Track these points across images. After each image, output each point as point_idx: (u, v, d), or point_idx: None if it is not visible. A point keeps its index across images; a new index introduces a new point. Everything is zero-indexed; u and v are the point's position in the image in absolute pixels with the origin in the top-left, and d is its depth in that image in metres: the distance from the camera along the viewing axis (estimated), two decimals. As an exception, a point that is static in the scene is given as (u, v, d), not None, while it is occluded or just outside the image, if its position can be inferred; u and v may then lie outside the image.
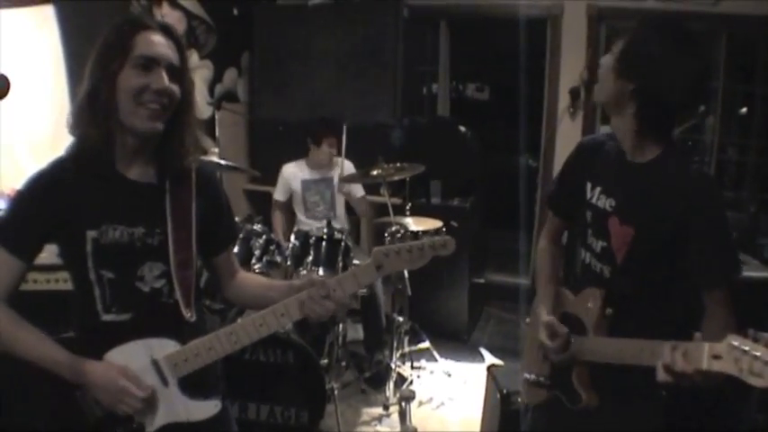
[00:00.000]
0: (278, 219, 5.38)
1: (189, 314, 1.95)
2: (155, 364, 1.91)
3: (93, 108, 1.81)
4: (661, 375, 1.67)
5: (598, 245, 2.13)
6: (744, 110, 6.14)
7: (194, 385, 1.96)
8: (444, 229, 4.51)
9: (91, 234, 1.86)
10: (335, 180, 5.17)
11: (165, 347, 1.91)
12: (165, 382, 1.92)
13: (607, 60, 2.02)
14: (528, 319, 2.52)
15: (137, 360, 1.89)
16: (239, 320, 1.95)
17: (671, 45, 1.89)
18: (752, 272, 3.55)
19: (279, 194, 5.35)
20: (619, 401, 2.09)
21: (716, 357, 1.51)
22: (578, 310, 2.17)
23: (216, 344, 1.92)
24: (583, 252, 2.22)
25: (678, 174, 1.93)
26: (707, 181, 1.97)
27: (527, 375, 2.41)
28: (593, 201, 2.14)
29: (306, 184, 5.22)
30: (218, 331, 1.91)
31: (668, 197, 1.93)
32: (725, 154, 6.08)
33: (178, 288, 1.95)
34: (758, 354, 1.39)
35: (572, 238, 2.35)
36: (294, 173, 5.25)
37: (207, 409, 1.98)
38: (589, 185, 2.16)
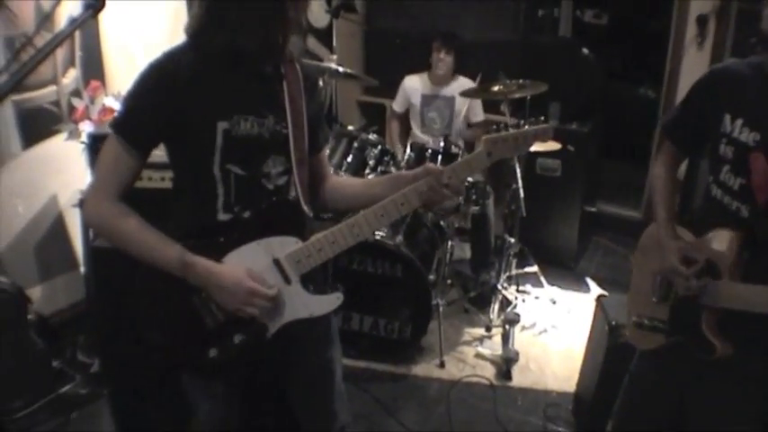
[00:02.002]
0: (394, 128, 5.33)
1: (308, 210, 1.93)
2: (276, 263, 1.88)
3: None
4: None
5: (736, 182, 1.96)
6: None
7: (315, 281, 1.96)
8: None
9: (222, 125, 1.80)
10: (457, 100, 5.06)
11: (286, 246, 1.88)
12: (287, 280, 1.90)
13: None
14: (635, 255, 2.38)
15: (257, 262, 1.87)
16: (361, 212, 1.93)
17: None
18: None
19: (397, 105, 5.28)
20: (749, 355, 1.97)
21: None
22: (708, 251, 2.00)
23: (339, 237, 1.89)
24: (714, 188, 2.05)
25: None
26: None
27: (636, 318, 2.27)
28: (734, 134, 1.95)
29: (425, 100, 5.13)
30: (339, 225, 1.89)
31: None
32: None
33: (299, 184, 1.92)
34: None
35: (691, 171, 2.18)
36: (415, 86, 5.16)
37: (329, 302, 1.97)
38: (728, 117, 1.96)
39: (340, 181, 2.24)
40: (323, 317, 2.02)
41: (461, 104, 5.07)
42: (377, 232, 3.66)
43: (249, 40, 1.76)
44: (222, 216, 1.88)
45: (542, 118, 1.95)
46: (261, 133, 1.85)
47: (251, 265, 1.85)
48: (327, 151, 2.33)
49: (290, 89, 1.91)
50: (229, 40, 1.76)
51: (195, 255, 1.81)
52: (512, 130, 1.94)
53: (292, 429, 2.35)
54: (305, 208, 1.92)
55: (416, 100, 5.15)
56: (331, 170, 2.37)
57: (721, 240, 1.97)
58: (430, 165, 1.94)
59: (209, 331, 1.88)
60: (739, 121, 1.94)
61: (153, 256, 1.81)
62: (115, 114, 1.90)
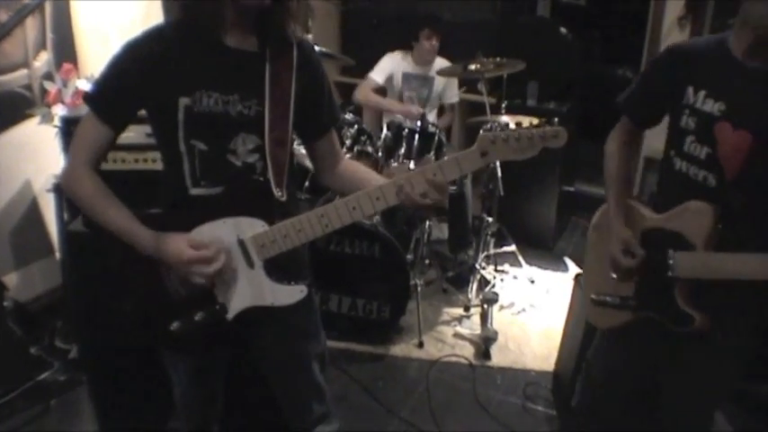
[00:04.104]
0: (371, 94, 5.13)
1: (279, 193, 1.89)
2: (241, 244, 1.87)
3: None
4: None
5: (702, 151, 1.98)
6: None
7: (281, 269, 1.93)
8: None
9: (184, 101, 1.81)
10: (436, 81, 5.05)
11: (253, 227, 1.87)
12: (250, 263, 1.89)
13: None
14: (589, 233, 2.41)
15: (223, 238, 1.86)
16: (333, 203, 1.86)
17: None
18: None
19: (378, 76, 5.11)
20: (724, 326, 2.00)
21: None
22: (679, 224, 2.02)
23: (306, 225, 1.85)
24: (678, 161, 2.06)
25: None
26: None
27: (595, 296, 2.26)
28: (696, 105, 1.99)
29: (406, 77, 5.10)
30: (308, 213, 1.85)
31: None
32: None
33: (271, 165, 1.89)
34: None
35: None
36: (398, 63, 5.11)
37: (292, 293, 1.94)
38: (691, 90, 2.01)
39: (351, 165, 2.19)
40: (302, 309, 2.02)
41: (440, 85, 5.07)
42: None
43: (196, 12, 1.78)
44: (193, 190, 1.89)
45: (555, 120, 1.71)
46: (226, 110, 1.85)
47: (216, 241, 1.84)
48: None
49: (276, 69, 1.89)
50: (183, 14, 1.80)
51: (165, 227, 1.85)
52: (514, 129, 1.71)
53: (277, 418, 2.35)
54: (275, 190, 1.88)
55: (398, 77, 5.10)
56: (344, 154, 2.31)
57: (694, 212, 1.98)
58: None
59: (174, 304, 1.89)
60: (702, 93, 1.98)
61: (117, 226, 1.85)
62: (89, 88, 1.94)
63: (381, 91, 5.20)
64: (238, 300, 1.90)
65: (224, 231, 1.86)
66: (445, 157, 1.80)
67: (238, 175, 1.90)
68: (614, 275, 2.15)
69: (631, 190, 2.28)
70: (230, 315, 1.91)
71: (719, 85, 1.95)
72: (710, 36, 2.05)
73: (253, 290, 1.90)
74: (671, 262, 1.99)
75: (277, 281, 1.92)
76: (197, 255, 1.79)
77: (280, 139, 1.91)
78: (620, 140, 2.30)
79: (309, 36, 4.52)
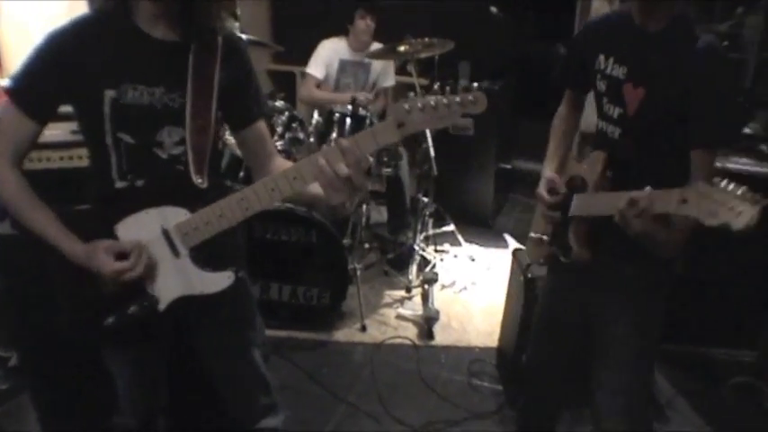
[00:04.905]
0: (322, 95, 5.04)
1: (200, 180, 1.86)
2: (165, 233, 1.84)
3: None
4: (621, 204, 1.75)
5: (615, 111, 2.15)
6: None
7: (208, 256, 1.90)
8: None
9: (109, 94, 1.79)
10: (373, 65, 5.04)
11: (176, 216, 1.84)
12: (176, 252, 1.86)
13: None
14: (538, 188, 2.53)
15: (148, 230, 1.84)
16: (251, 186, 1.82)
17: None
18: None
19: (317, 71, 5.04)
20: (617, 260, 2.14)
21: (684, 201, 1.56)
22: (584, 171, 2.22)
23: (226, 210, 1.81)
24: (600, 122, 2.24)
25: (688, 41, 1.94)
26: (716, 51, 1.96)
27: (532, 234, 2.52)
28: (608, 71, 2.16)
29: (343, 65, 5.06)
30: (227, 197, 1.81)
31: (679, 63, 1.94)
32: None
33: (191, 153, 1.86)
34: (716, 197, 1.47)
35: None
36: (334, 51, 5.06)
37: (220, 281, 1.91)
38: (602, 57, 2.18)
39: (284, 164, 2.08)
40: (235, 297, 2.00)
41: (377, 70, 5.05)
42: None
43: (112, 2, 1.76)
44: (119, 184, 1.87)
45: (474, 85, 1.60)
46: (152, 103, 1.83)
47: (141, 234, 1.83)
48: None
49: (199, 60, 1.87)
50: (102, 4, 1.77)
51: (92, 222, 1.85)
52: (430, 96, 1.61)
53: (219, 410, 2.32)
54: (194, 177, 1.86)
55: (334, 65, 5.06)
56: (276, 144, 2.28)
57: (591, 160, 2.19)
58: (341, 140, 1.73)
59: (108, 300, 1.85)
60: (611, 59, 2.15)
61: (44, 230, 1.83)
62: (10, 81, 1.89)
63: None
64: (168, 290, 1.88)
65: (148, 222, 1.84)
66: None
67: (163, 168, 1.87)
68: (541, 214, 2.37)
69: (569, 145, 2.50)
70: (162, 306, 1.88)
71: (624, 51, 2.11)
72: (622, 7, 2.21)
73: (181, 279, 1.88)
74: (572, 202, 2.18)
75: (204, 268, 1.89)
76: (120, 267, 1.78)
77: (201, 128, 1.88)
78: (565, 105, 2.53)
79: (237, 24, 4.49)
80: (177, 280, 1.87)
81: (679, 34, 1.97)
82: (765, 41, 5.44)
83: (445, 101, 1.58)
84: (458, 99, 1.59)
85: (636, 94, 2.06)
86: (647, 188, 1.71)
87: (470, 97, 1.59)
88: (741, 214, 1.43)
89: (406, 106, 1.61)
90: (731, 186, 1.46)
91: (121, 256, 1.80)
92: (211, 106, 1.89)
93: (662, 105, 2.00)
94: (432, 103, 1.59)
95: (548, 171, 2.36)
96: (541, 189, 2.29)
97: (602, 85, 2.19)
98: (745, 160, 3.65)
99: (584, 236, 2.18)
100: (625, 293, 2.19)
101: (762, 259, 3.51)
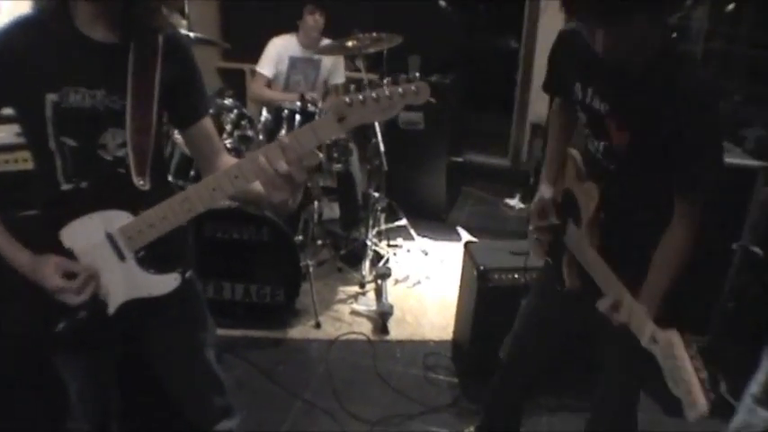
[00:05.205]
0: (274, 95, 5.01)
1: (141, 182, 1.83)
2: (109, 237, 1.82)
3: None
4: (603, 306, 1.86)
5: (600, 145, 2.04)
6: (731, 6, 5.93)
7: (154, 259, 1.88)
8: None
9: (51, 97, 1.75)
10: (323, 62, 5.02)
11: (120, 220, 1.82)
12: (121, 256, 1.84)
13: None
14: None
15: (92, 234, 1.82)
16: (193, 186, 1.81)
17: None
18: (734, 158, 3.54)
19: (266, 70, 5.04)
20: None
21: (654, 341, 1.66)
22: (581, 198, 2.12)
23: (169, 212, 1.79)
24: (589, 143, 2.13)
25: (675, 81, 1.82)
26: (697, 95, 1.82)
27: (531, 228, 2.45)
28: (587, 101, 2.03)
29: (293, 62, 5.04)
30: (170, 199, 1.79)
31: (662, 108, 1.83)
32: (712, 42, 5.91)
33: (132, 155, 1.84)
34: (679, 364, 1.55)
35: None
36: (284, 48, 5.04)
37: (166, 283, 1.90)
38: (579, 86, 2.05)
39: (230, 162, 2.05)
40: (185, 298, 2.00)
41: (327, 67, 5.04)
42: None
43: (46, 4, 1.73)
44: (65, 186, 1.84)
45: (417, 74, 1.63)
46: (94, 105, 1.80)
47: (85, 239, 1.81)
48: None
49: (139, 60, 1.84)
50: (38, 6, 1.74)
51: (39, 226, 1.82)
52: (371, 89, 1.59)
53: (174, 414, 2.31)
54: (135, 179, 1.83)
55: (284, 62, 5.03)
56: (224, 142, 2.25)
57: (588, 193, 2.07)
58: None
59: (57, 306, 1.82)
60: (589, 90, 2.01)
61: None
62: None
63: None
64: (116, 294, 1.86)
65: (92, 227, 1.81)
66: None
67: (108, 170, 1.85)
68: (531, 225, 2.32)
69: (568, 137, 2.35)
70: (111, 310, 1.86)
71: (603, 84, 1.98)
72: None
73: (128, 283, 1.86)
74: (567, 232, 2.14)
75: (150, 271, 1.87)
76: (64, 286, 1.77)
77: (142, 129, 1.85)
78: (555, 117, 2.39)
79: (185, 22, 4.44)
80: (124, 284, 1.85)
81: (657, 75, 1.84)
82: (711, 32, 5.59)
83: (387, 92, 1.56)
84: (400, 90, 1.56)
85: (621, 136, 1.95)
86: (627, 299, 1.80)
87: (413, 87, 1.56)
88: (695, 407, 1.51)
89: (347, 99, 1.59)
90: (702, 373, 1.53)
91: (70, 275, 1.78)
92: (152, 106, 1.86)
93: (648, 150, 1.91)
94: (373, 95, 1.57)
95: (544, 186, 2.27)
96: (534, 207, 2.27)
97: (583, 117, 2.09)
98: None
99: (576, 272, 2.14)
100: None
101: (712, 245, 3.57)
